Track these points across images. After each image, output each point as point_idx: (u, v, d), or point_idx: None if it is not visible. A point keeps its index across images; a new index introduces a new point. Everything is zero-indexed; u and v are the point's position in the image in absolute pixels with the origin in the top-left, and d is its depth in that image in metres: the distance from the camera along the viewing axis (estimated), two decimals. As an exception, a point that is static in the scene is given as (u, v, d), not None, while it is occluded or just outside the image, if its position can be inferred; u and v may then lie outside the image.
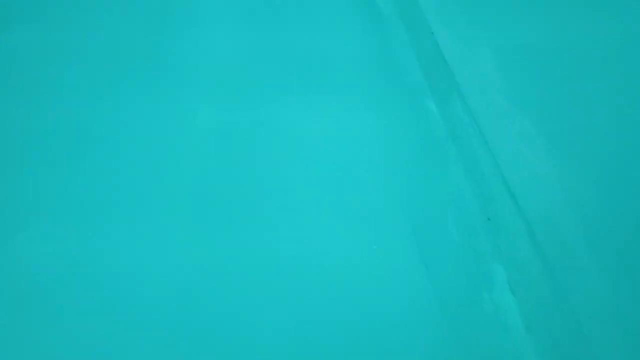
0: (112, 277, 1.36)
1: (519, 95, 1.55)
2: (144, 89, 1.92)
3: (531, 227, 1.27)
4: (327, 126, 1.68)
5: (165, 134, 1.74)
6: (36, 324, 1.28)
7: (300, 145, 1.64)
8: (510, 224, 1.33)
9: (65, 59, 2.09)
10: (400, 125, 1.65)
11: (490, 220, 1.40)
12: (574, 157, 1.38)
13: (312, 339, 1.15)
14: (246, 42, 2.13)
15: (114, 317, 1.27)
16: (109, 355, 1.20)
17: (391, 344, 1.12)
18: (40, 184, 1.62)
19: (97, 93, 1.90)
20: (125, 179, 1.63)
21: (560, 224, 1.24)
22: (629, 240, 1.15)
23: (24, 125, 1.78)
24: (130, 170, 1.65)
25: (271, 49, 2.07)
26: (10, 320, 1.26)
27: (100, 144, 1.71)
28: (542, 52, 1.74)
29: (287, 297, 1.25)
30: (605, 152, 1.34)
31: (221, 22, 2.28)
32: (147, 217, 1.51)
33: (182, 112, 1.82)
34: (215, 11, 2.34)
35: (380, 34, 2.08)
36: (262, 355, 1.16)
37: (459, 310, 1.19)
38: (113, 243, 1.44)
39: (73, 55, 2.12)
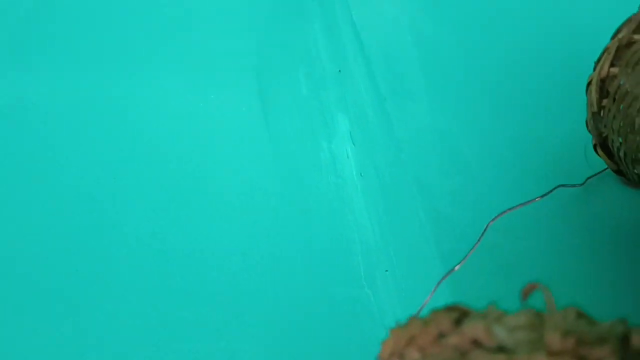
0: None
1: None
2: None
3: (375, 77, 1.21)
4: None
5: None
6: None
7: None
8: (357, 75, 1.27)
9: None
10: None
11: (341, 72, 1.34)
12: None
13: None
14: None
15: None
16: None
17: (226, 185, 1.06)
18: None
19: None
20: None
21: (404, 72, 1.19)
22: (470, 85, 1.12)
23: None
24: None
25: None
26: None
27: None
28: None
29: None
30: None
31: None
32: None
33: None
34: None
35: None
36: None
37: (294, 155, 1.14)
38: None
39: None
